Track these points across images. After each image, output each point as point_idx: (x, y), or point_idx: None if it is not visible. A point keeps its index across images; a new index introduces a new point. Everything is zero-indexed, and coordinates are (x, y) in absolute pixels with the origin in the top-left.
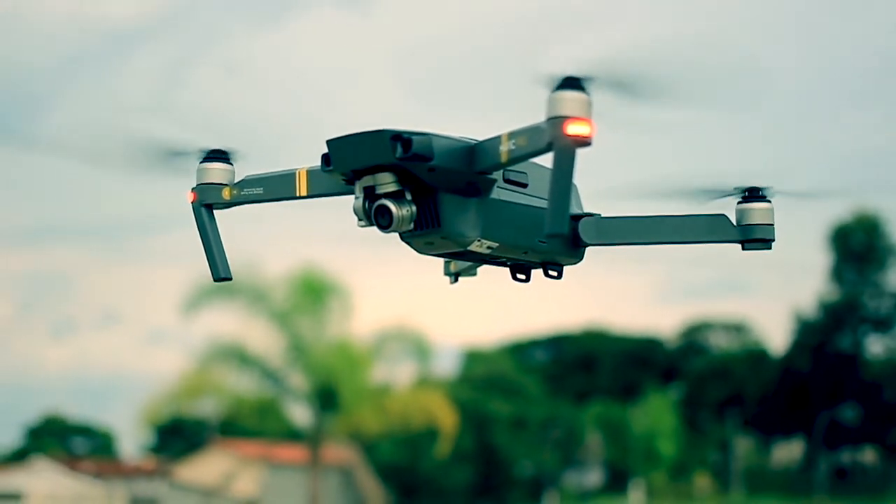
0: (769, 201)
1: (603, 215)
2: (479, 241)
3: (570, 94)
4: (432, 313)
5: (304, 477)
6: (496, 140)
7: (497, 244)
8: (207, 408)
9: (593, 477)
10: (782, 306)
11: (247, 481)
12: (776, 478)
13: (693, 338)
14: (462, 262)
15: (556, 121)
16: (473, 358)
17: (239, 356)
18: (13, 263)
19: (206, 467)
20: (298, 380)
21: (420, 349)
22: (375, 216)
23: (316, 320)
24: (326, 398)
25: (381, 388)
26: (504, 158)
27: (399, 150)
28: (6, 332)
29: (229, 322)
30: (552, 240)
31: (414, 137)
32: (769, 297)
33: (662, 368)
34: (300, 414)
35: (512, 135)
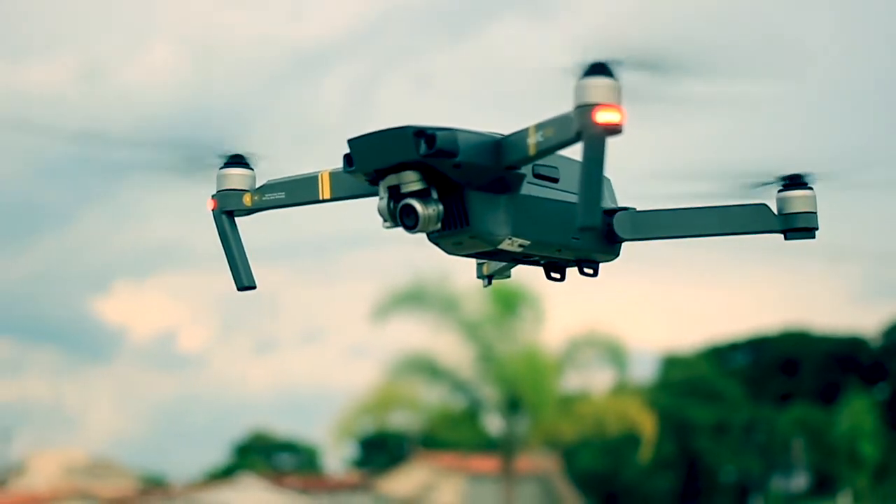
0: (811, 188)
1: (638, 209)
2: (509, 239)
3: (598, 81)
4: (628, 319)
5: (501, 487)
6: (523, 133)
7: (529, 242)
8: (404, 420)
9: (799, 481)
10: None
11: (446, 493)
12: None
13: None
14: (494, 262)
15: (585, 109)
16: (672, 363)
17: (429, 368)
18: (216, 285)
19: (408, 480)
20: (489, 390)
21: (614, 355)
22: (401, 216)
23: (507, 330)
24: (518, 408)
25: (574, 395)
26: (532, 151)
27: (423, 146)
28: (213, 352)
29: (420, 333)
30: (586, 235)
31: (438, 133)
32: None
33: (866, 369)
34: (495, 424)
35: (539, 126)
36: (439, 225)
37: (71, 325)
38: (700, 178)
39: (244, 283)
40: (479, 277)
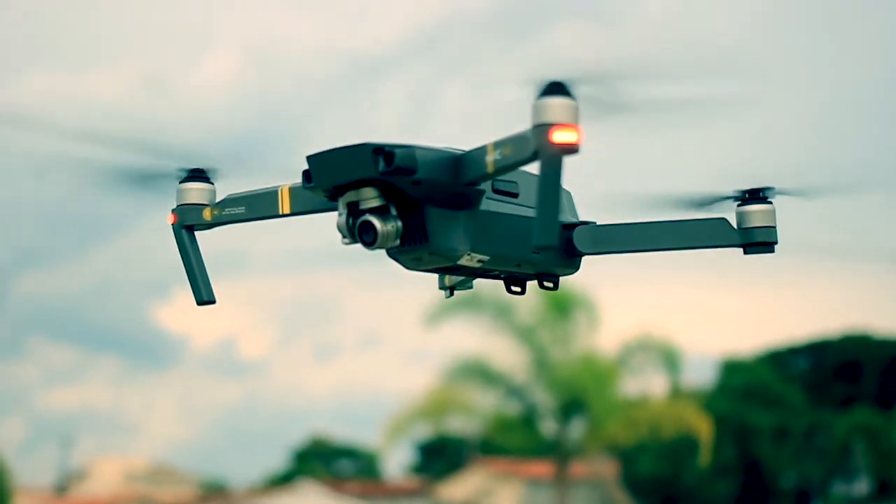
0: (770, 202)
1: (598, 223)
2: (469, 255)
3: (556, 101)
4: (686, 324)
5: (557, 492)
6: (482, 150)
7: (488, 257)
8: (461, 425)
9: (861, 486)
10: None
11: (503, 498)
12: None
13: None
14: (455, 275)
15: (542, 128)
16: (731, 368)
17: (483, 373)
18: (275, 291)
19: (465, 485)
20: (543, 396)
21: (669, 360)
22: (360, 233)
23: (561, 334)
24: (573, 412)
25: (631, 400)
26: (490, 169)
27: (381, 163)
28: (272, 358)
29: (474, 337)
30: (543, 251)
31: (396, 150)
32: None
33: None
34: (550, 429)
35: (497, 144)
36: (398, 241)
37: (132, 333)
38: (659, 192)
39: (203, 297)
40: (441, 288)
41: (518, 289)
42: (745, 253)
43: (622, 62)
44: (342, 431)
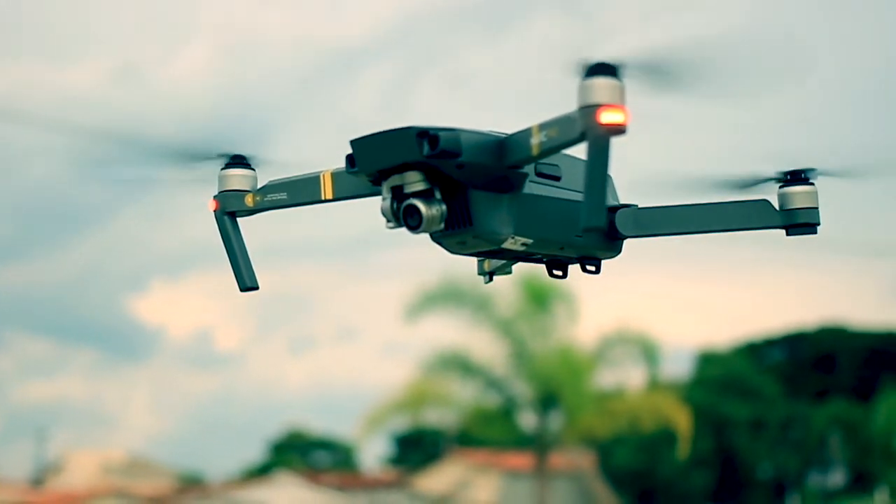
0: (812, 184)
1: (640, 206)
2: (512, 238)
3: (602, 81)
4: (664, 316)
5: (536, 484)
6: (527, 132)
7: (531, 240)
8: (439, 417)
9: (836, 478)
10: None
11: (481, 490)
12: None
13: None
14: (496, 260)
15: (589, 109)
16: (707, 360)
17: (462, 365)
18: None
19: (443, 477)
20: (522, 387)
21: (647, 352)
22: (404, 217)
23: (540, 327)
24: (552, 405)
25: (607, 392)
26: (535, 151)
27: (426, 147)
28: (249, 350)
29: (453, 330)
30: (589, 234)
31: (441, 133)
32: None
33: None
34: (529, 421)
35: (543, 126)
36: (443, 225)
37: (109, 325)
38: (702, 174)
39: (247, 284)
40: (480, 274)
41: (560, 272)
42: (788, 234)
43: (665, 45)
44: (319, 423)
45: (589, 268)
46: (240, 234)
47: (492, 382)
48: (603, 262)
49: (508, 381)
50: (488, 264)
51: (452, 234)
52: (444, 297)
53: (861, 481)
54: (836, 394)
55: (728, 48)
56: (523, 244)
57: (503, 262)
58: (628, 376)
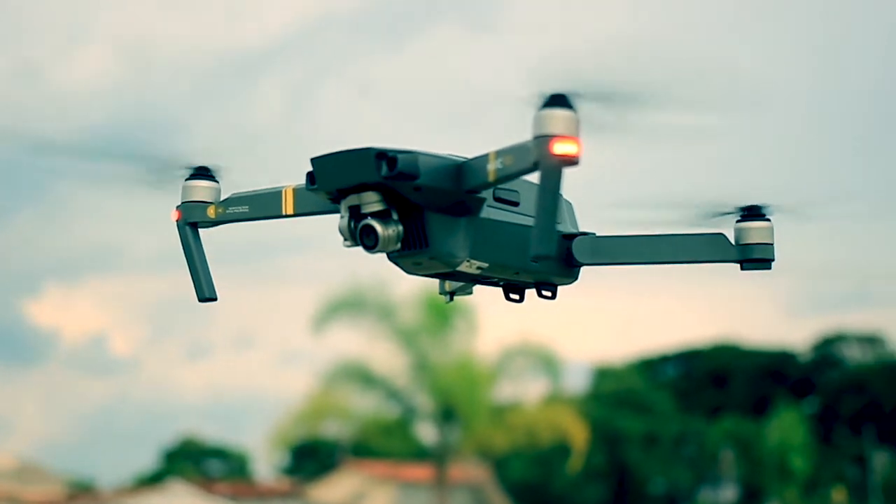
0: (769, 220)
1: (598, 234)
2: (468, 261)
3: (557, 112)
4: (562, 330)
5: (433, 495)
6: (483, 158)
7: (487, 264)
8: (338, 429)
9: (727, 493)
10: None
11: (377, 501)
12: None
13: (826, 351)
14: (455, 281)
15: (542, 139)
16: (603, 374)
17: (364, 376)
18: (149, 289)
19: (339, 488)
20: (423, 399)
21: (548, 365)
22: (361, 236)
23: (441, 339)
24: (451, 417)
25: (506, 405)
26: (492, 177)
27: (384, 168)
28: (144, 357)
29: (355, 341)
30: (542, 260)
31: (399, 156)
32: None
33: (795, 382)
34: (427, 433)
35: (499, 153)
36: (399, 245)
37: (1, 328)
38: (659, 206)
39: (206, 294)
40: (441, 293)
41: (516, 296)
42: (742, 269)
43: (625, 79)
44: (213, 431)
45: (545, 293)
46: (201, 246)
47: (392, 394)
48: (559, 288)
49: (409, 393)
50: (449, 285)
51: (408, 255)
52: (347, 306)
53: (752, 497)
54: (730, 410)
55: (683, 78)
56: (479, 268)
57: (463, 282)
58: (528, 390)
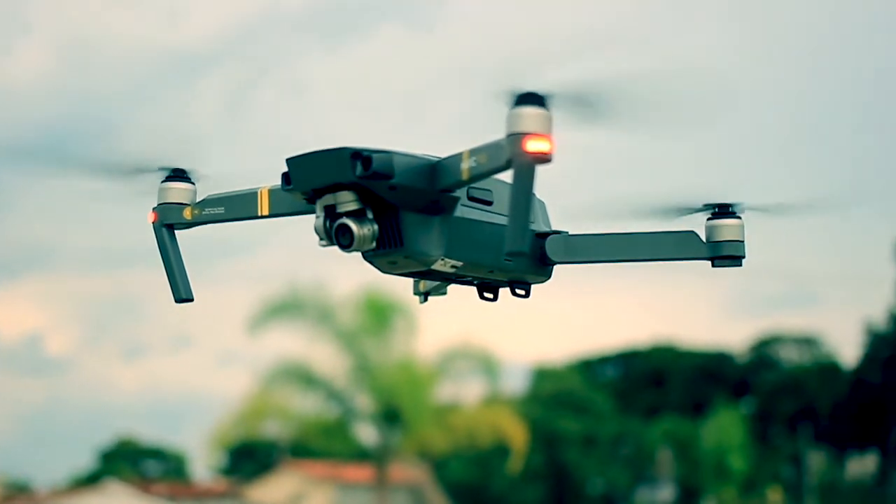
0: (739, 217)
1: (571, 233)
2: (442, 260)
3: (530, 110)
4: (500, 332)
5: (373, 496)
6: (457, 157)
7: (461, 263)
8: (277, 429)
9: (664, 493)
10: (853, 319)
11: (316, 501)
12: (850, 492)
13: (763, 352)
14: (430, 281)
15: (515, 137)
16: (542, 375)
17: (304, 377)
18: (84, 288)
19: (276, 488)
20: (363, 400)
21: (487, 367)
22: (336, 235)
23: (381, 340)
24: (392, 418)
25: (446, 406)
26: (466, 176)
27: (359, 168)
28: (79, 356)
29: (295, 343)
30: (517, 258)
31: (374, 155)
32: (840, 310)
33: (733, 383)
34: (368, 434)
35: (473, 152)
36: (374, 244)
37: None
38: (630, 204)
39: (182, 295)
40: (415, 294)
41: (490, 295)
42: (714, 266)
43: (598, 76)
44: (150, 432)
45: (518, 292)
46: (177, 247)
47: (332, 395)
48: (532, 286)
49: (349, 394)
50: (423, 285)
51: (383, 254)
52: (286, 307)
53: (689, 497)
54: (668, 410)
55: (655, 79)
56: (453, 266)
57: (438, 282)
58: (468, 391)
